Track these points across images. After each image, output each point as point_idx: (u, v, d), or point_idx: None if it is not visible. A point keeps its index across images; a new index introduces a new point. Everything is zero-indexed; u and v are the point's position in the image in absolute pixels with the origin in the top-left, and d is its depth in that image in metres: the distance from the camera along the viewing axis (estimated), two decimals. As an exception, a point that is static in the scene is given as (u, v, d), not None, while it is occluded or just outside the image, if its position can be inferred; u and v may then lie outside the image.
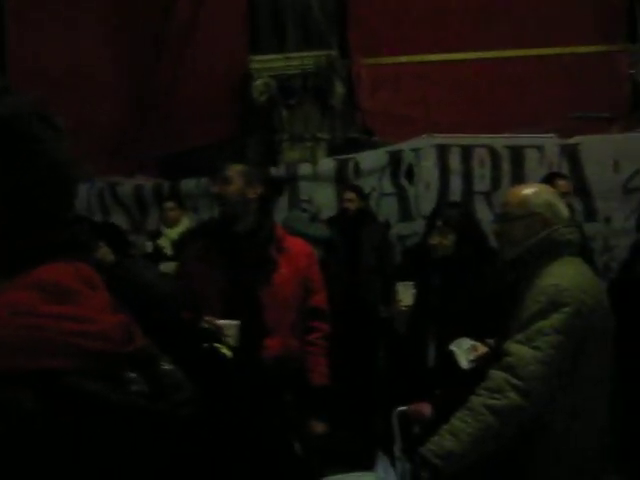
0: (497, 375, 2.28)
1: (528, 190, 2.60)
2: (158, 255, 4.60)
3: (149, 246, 4.98)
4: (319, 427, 3.13)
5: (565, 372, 2.29)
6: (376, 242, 5.22)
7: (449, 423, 2.27)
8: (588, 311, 2.33)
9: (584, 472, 2.37)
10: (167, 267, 4.02)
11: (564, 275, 2.39)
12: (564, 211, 2.53)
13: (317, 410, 3.11)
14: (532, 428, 2.29)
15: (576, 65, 6.02)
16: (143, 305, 1.98)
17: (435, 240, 3.27)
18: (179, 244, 4.56)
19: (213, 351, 2.97)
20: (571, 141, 5.51)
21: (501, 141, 5.56)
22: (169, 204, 5.27)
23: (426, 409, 3.04)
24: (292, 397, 2.99)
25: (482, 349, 2.71)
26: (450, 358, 2.70)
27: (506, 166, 5.49)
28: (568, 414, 2.32)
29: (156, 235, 5.05)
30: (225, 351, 3.06)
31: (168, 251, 4.69)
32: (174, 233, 4.95)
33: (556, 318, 2.29)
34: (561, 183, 4.61)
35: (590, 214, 5.46)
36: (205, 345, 3.05)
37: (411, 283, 3.36)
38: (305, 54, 6.20)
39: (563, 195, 4.22)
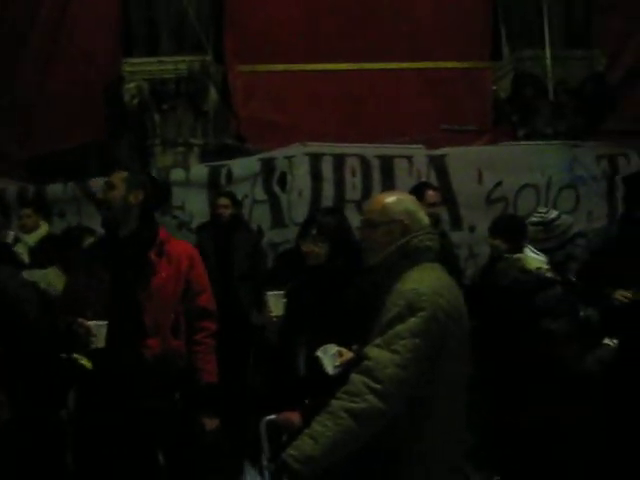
0: (356, 379, 2.30)
1: (389, 198, 2.64)
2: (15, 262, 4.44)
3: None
4: (211, 423, 3.20)
5: (423, 374, 2.32)
6: (248, 249, 5.22)
7: (310, 427, 2.27)
8: (445, 315, 2.37)
9: (446, 471, 2.41)
10: (33, 275, 3.93)
11: (422, 280, 2.44)
12: (424, 219, 2.58)
13: (206, 408, 3.20)
14: (394, 429, 2.31)
15: (443, 80, 6.22)
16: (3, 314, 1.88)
17: (308, 248, 3.26)
18: (36, 251, 4.49)
19: (71, 362, 2.93)
20: (438, 152, 5.70)
21: (372, 151, 5.68)
22: (26, 211, 5.23)
23: (295, 418, 3.02)
24: (180, 395, 3.13)
25: (347, 355, 2.73)
26: (317, 364, 2.71)
27: (377, 175, 5.61)
28: (426, 414, 2.37)
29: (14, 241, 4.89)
30: (84, 362, 3.02)
31: (25, 257, 4.52)
32: (31, 239, 4.89)
33: (413, 322, 2.33)
34: (430, 193, 4.70)
35: (456, 223, 5.67)
36: (63, 356, 3.00)
37: (282, 293, 3.35)
38: (179, 58, 6.12)
39: (432, 205, 4.45)
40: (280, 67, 6.27)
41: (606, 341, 3.45)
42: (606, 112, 6.09)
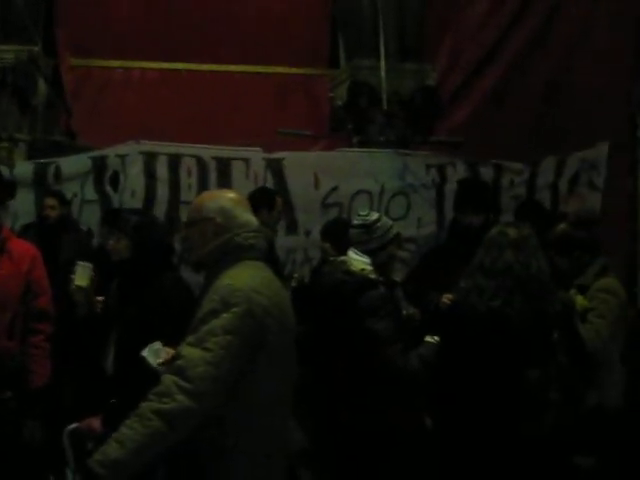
0: (167, 379, 2.27)
1: (206, 196, 2.70)
2: None
3: None
4: (33, 428, 3.16)
5: (239, 372, 2.33)
6: (77, 250, 5.02)
7: (118, 431, 2.21)
8: (262, 312, 2.38)
9: (269, 467, 2.44)
10: None
11: (239, 276, 2.44)
12: (244, 217, 2.59)
13: (32, 412, 3.20)
14: (210, 427, 2.31)
15: (282, 85, 6.33)
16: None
17: (110, 244, 3.35)
18: None
19: None
20: (276, 156, 5.72)
21: (209, 152, 5.61)
22: None
23: (96, 423, 3.03)
24: (12, 396, 3.14)
25: (171, 352, 2.66)
26: (142, 364, 2.64)
27: (213, 177, 5.56)
28: (245, 412, 2.37)
29: None
30: None
31: None
32: None
33: (225, 318, 2.33)
34: (279, 201, 4.94)
35: (291, 226, 5.72)
36: None
37: (91, 265, 3.39)
38: (4, 47, 5.79)
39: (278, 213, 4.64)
40: (115, 63, 6.18)
41: (427, 338, 3.56)
42: (434, 124, 6.36)
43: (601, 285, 4.09)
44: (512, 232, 3.37)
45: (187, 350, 2.30)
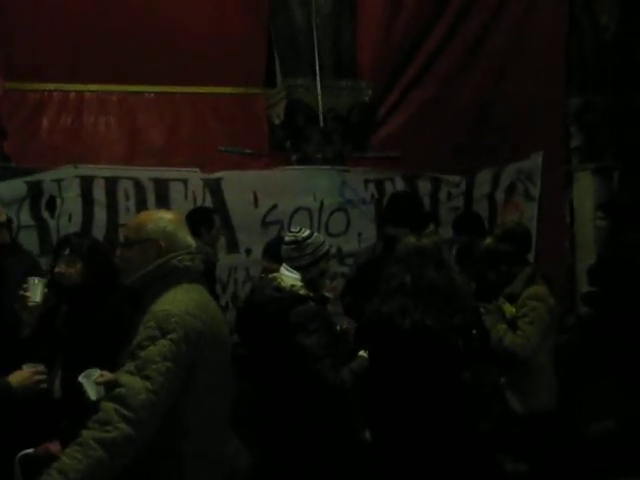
0: (108, 407, 2.29)
1: (147, 217, 2.70)
2: None
3: None
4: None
5: (176, 397, 2.38)
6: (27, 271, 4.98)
7: (59, 460, 2.23)
8: (198, 336, 2.42)
9: (208, 464, 2.50)
10: None
11: (175, 301, 2.47)
12: (185, 239, 2.63)
13: None
14: (150, 453, 2.36)
15: (220, 104, 6.36)
16: None
17: (61, 269, 3.36)
18: None
19: None
20: (214, 176, 5.79)
21: (147, 174, 5.65)
22: None
23: (55, 448, 2.99)
24: None
25: (109, 377, 2.70)
26: (79, 390, 2.64)
27: (151, 198, 5.60)
28: (182, 436, 2.43)
29: None
30: None
31: None
32: None
33: (163, 344, 2.36)
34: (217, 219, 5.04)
35: (232, 246, 5.79)
36: None
37: (44, 280, 3.34)
38: None
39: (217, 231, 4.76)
40: (49, 86, 6.11)
41: (361, 352, 3.63)
42: (371, 139, 6.50)
43: (530, 293, 4.23)
44: (427, 245, 3.46)
45: (127, 378, 2.33)
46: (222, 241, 5.69)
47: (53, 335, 3.37)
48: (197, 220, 4.73)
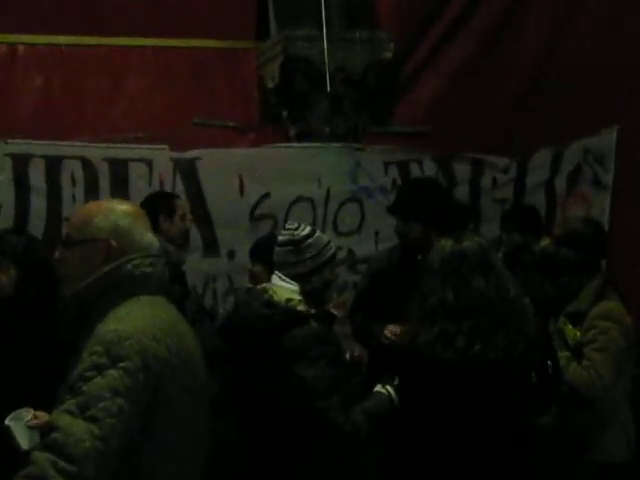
0: (40, 458, 2.27)
1: (95, 208, 2.71)
2: None
3: None
4: None
5: (132, 444, 2.39)
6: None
7: None
8: (161, 364, 2.43)
9: None
10: None
11: (129, 319, 2.47)
12: (144, 237, 2.65)
13: None
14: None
15: (196, 62, 6.33)
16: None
17: None
18: None
19: None
20: (188, 155, 5.81)
21: (99, 152, 5.66)
22: None
23: None
24: None
25: (43, 417, 2.70)
26: (6, 436, 2.66)
27: (105, 184, 5.63)
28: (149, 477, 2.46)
29: None
30: None
31: None
32: None
33: (113, 376, 2.35)
34: (181, 203, 4.96)
35: (211, 246, 5.83)
36: None
37: None
38: None
39: (183, 218, 4.75)
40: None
41: (378, 388, 3.61)
42: (392, 109, 6.52)
43: (599, 311, 4.18)
44: (470, 248, 3.44)
45: (66, 419, 2.30)
46: (198, 241, 5.72)
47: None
48: (153, 208, 4.67)
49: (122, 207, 2.70)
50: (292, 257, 3.64)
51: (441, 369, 3.31)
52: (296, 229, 3.69)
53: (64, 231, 5.00)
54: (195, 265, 5.47)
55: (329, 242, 3.73)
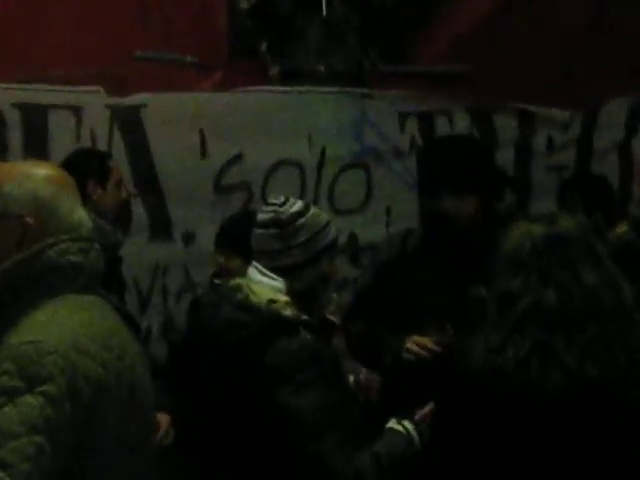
0: None
1: (7, 173, 2.74)
2: None
3: None
4: None
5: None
6: None
7: None
8: (93, 387, 2.46)
9: None
10: None
11: (53, 326, 2.50)
12: (74, 215, 2.69)
13: None
14: None
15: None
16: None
17: None
18: None
19: None
20: (130, 101, 5.81)
21: (10, 95, 5.67)
22: None
23: None
24: None
25: None
26: None
27: (16, 137, 5.63)
28: None
29: None
30: None
31: None
32: None
33: (30, 404, 2.37)
34: (115, 165, 5.09)
35: (160, 226, 5.84)
36: None
37: None
38: None
39: (118, 185, 4.98)
40: None
41: (392, 425, 3.61)
42: (411, 42, 6.47)
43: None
44: (571, 231, 3.39)
45: None
46: (143, 219, 5.75)
47: None
48: (79, 171, 4.59)
49: (42, 171, 2.75)
50: (277, 243, 3.65)
51: (534, 398, 3.25)
52: (282, 204, 3.69)
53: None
54: (138, 251, 5.54)
55: (329, 222, 3.75)
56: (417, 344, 4.16)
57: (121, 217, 5.19)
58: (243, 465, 3.57)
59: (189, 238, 5.86)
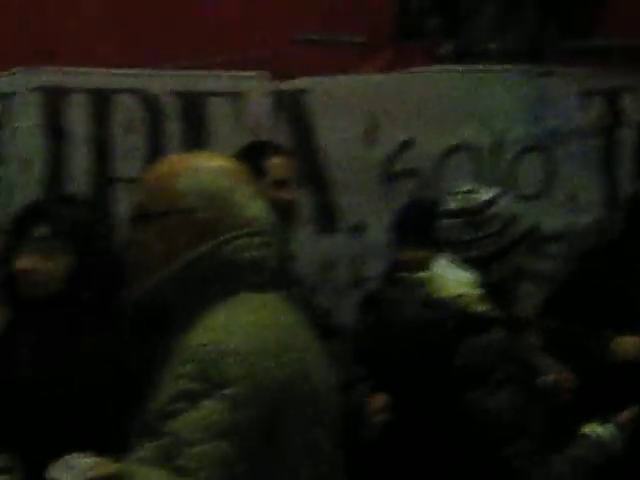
0: None
1: (174, 167, 2.74)
2: None
3: None
4: None
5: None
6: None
7: None
8: (276, 391, 2.42)
9: None
10: None
11: (234, 326, 2.48)
12: (249, 209, 2.65)
13: None
14: None
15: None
16: None
17: (28, 263, 3.48)
18: None
19: None
20: (290, 86, 5.78)
21: (166, 82, 5.66)
22: None
23: None
24: None
25: (106, 468, 2.61)
26: None
27: (174, 127, 5.60)
28: None
29: None
30: None
31: None
32: None
33: (211, 408, 2.33)
34: (277, 162, 4.89)
35: (327, 217, 5.83)
36: None
37: None
38: None
39: (280, 185, 4.82)
40: None
41: (587, 430, 3.61)
42: (598, 14, 6.42)
43: None
44: None
45: (143, 472, 2.31)
46: (309, 211, 5.72)
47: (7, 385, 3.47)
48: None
49: (215, 163, 2.75)
50: (467, 233, 3.72)
51: None
52: (471, 192, 3.78)
53: (115, 199, 5.28)
54: (304, 246, 5.46)
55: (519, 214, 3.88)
56: (625, 345, 4.13)
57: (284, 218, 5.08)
58: (426, 467, 3.61)
59: (359, 229, 5.81)
